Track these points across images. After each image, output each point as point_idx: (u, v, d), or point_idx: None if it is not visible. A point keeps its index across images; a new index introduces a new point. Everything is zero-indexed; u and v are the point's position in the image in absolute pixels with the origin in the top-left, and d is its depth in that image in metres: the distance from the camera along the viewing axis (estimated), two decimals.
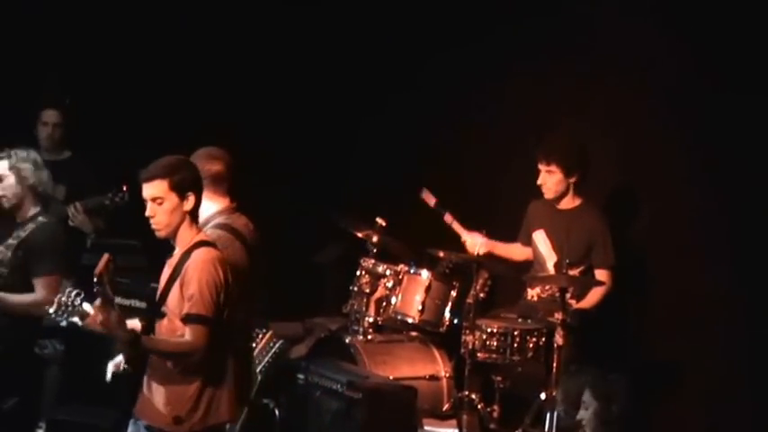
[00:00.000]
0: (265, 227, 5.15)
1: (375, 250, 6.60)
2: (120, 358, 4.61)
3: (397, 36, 7.83)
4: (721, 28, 6.07)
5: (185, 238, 4.53)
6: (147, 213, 4.52)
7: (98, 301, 4.42)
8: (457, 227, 6.56)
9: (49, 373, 6.48)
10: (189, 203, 4.51)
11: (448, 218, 6.57)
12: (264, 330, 6.27)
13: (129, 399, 5.02)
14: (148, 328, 4.53)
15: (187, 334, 4.40)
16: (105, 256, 4.39)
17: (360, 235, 6.66)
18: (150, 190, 4.49)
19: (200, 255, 4.47)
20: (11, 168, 5.89)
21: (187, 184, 4.50)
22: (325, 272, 7.68)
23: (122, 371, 4.55)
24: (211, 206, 5.03)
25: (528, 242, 6.46)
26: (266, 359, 6.22)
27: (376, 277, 6.54)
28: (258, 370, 5.86)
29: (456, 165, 7.45)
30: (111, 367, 4.78)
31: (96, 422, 6.18)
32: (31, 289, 5.86)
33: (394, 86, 7.84)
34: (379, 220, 6.58)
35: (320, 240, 7.56)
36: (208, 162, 5.04)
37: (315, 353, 6.37)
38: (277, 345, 6.30)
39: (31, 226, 5.89)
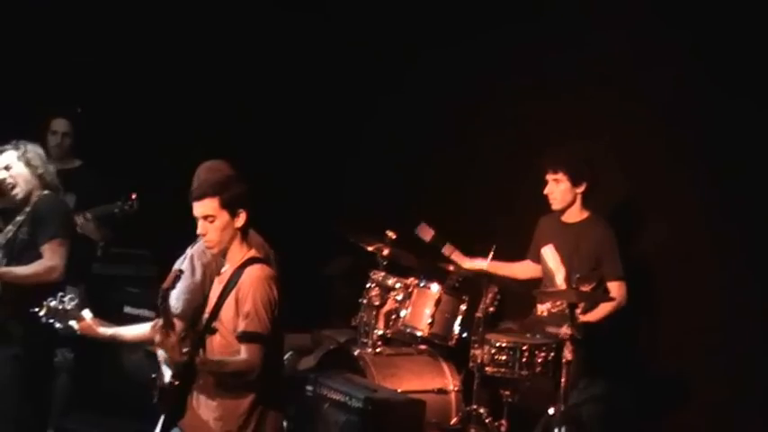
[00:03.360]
0: (273, 239, 5.14)
1: (385, 263, 6.57)
2: (168, 373, 4.58)
3: (393, 45, 7.82)
4: (726, 36, 6.08)
5: (237, 254, 4.54)
6: (199, 231, 4.52)
7: (160, 321, 4.42)
8: (456, 257, 6.56)
9: (59, 382, 6.56)
10: (240, 220, 4.52)
11: (447, 250, 6.56)
12: None
13: (140, 409, 5.06)
14: (199, 343, 4.53)
15: (243, 352, 4.40)
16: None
17: (370, 248, 6.63)
18: (201, 208, 4.49)
19: (254, 272, 4.47)
20: (19, 158, 5.88)
21: (238, 201, 4.50)
22: (333, 284, 7.69)
23: (169, 384, 4.52)
24: None
25: (537, 259, 6.45)
26: None
27: (385, 290, 6.51)
28: None
29: (463, 178, 7.45)
30: (166, 375, 4.70)
31: (105, 431, 6.37)
32: None
33: (397, 99, 7.84)
34: (390, 233, 6.56)
35: (328, 253, 7.58)
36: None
37: (323, 365, 6.35)
38: (286, 356, 6.32)
39: (34, 200, 5.85)
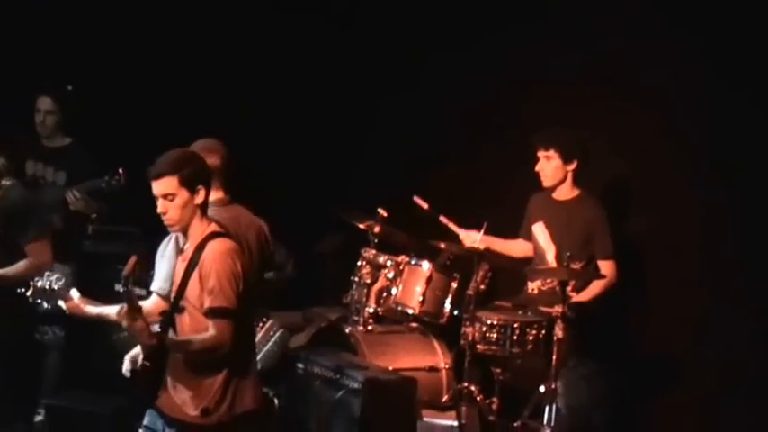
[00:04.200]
0: (265, 217, 5.16)
1: (376, 241, 6.61)
2: (136, 352, 4.61)
3: (396, 38, 7.85)
4: (723, 33, 6.12)
5: (197, 231, 4.53)
6: (159, 210, 4.52)
7: (124, 306, 4.43)
8: (452, 226, 6.60)
9: (49, 360, 6.67)
10: (200, 197, 4.52)
11: (443, 219, 6.61)
12: (265, 319, 6.31)
13: (129, 387, 4.99)
14: (168, 323, 4.53)
15: (211, 328, 4.42)
16: (133, 258, 4.44)
17: (361, 226, 6.67)
18: (160, 187, 4.49)
19: (215, 246, 4.48)
20: None
21: (197, 178, 4.50)
22: (324, 262, 7.72)
23: (140, 366, 4.55)
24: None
25: (529, 237, 6.49)
26: (266, 348, 6.26)
27: (377, 268, 6.56)
28: (258, 359, 5.86)
29: (459, 158, 7.48)
30: (127, 363, 4.78)
31: (95, 409, 6.24)
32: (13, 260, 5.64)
33: (396, 81, 7.85)
34: (381, 211, 6.60)
35: (320, 230, 7.59)
36: (204, 155, 5.00)
37: (315, 343, 6.40)
38: (277, 334, 6.35)
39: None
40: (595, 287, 6.20)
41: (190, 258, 4.51)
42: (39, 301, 4.79)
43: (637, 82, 6.48)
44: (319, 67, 8.16)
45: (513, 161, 6.81)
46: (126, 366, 4.78)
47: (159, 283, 4.88)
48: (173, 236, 4.83)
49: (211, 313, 4.41)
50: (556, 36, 6.89)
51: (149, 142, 5.69)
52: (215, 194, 4.98)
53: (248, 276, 4.63)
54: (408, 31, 7.78)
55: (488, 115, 7.29)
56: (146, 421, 4.62)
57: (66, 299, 4.75)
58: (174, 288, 4.57)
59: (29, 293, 4.77)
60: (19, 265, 5.56)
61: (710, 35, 6.15)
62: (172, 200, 4.47)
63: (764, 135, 5.97)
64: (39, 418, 6.39)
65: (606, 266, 6.21)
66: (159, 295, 4.88)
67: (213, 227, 4.56)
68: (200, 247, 4.50)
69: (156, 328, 4.53)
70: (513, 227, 6.60)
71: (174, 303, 4.56)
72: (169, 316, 4.54)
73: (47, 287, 4.74)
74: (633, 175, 6.61)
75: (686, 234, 6.37)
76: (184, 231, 4.55)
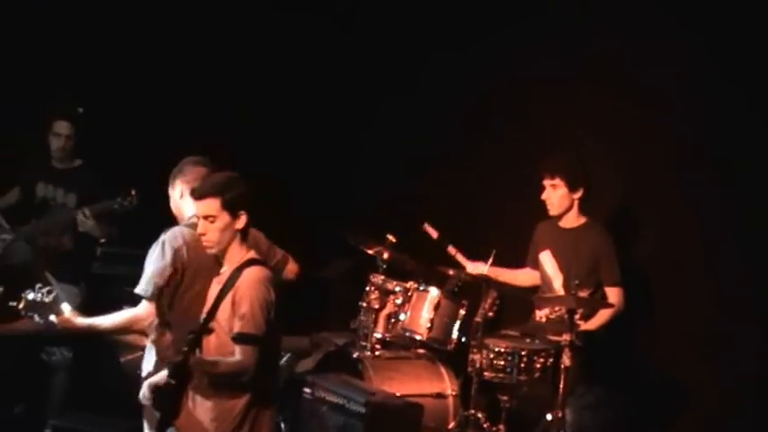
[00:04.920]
0: (272, 240, 5.19)
1: (384, 266, 6.61)
2: (155, 380, 4.65)
3: (398, 45, 7.86)
4: (718, 42, 6.12)
5: (235, 256, 4.62)
6: (199, 231, 4.60)
7: (155, 320, 4.55)
8: (460, 258, 6.60)
9: (56, 380, 6.68)
10: (240, 222, 4.59)
11: (451, 249, 6.60)
12: None
13: (136, 409, 5.11)
14: (195, 343, 4.58)
15: (237, 353, 4.49)
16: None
17: (370, 251, 6.67)
18: (202, 208, 4.57)
19: (252, 273, 4.56)
20: None
21: (239, 203, 4.58)
22: (331, 286, 7.72)
23: (165, 384, 4.58)
24: (192, 208, 5.04)
25: (536, 265, 6.49)
26: None
27: (385, 293, 6.55)
28: None
29: (465, 184, 7.49)
30: (148, 386, 4.78)
31: (102, 431, 6.29)
32: None
33: (399, 101, 7.87)
34: (390, 237, 6.60)
35: (327, 255, 7.59)
36: (194, 167, 5.10)
37: (322, 367, 6.38)
38: (284, 358, 6.35)
39: None
40: (603, 315, 6.18)
41: (225, 282, 4.57)
42: (30, 314, 4.77)
43: (635, 83, 6.49)
44: (321, 68, 8.16)
45: (513, 161, 6.93)
46: (143, 393, 4.80)
47: (142, 285, 4.92)
48: (158, 242, 4.89)
49: (240, 339, 4.48)
50: (554, 37, 6.91)
51: (154, 159, 5.79)
52: None
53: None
54: (410, 31, 7.80)
55: (487, 115, 7.33)
56: None
57: (58, 313, 4.75)
58: (206, 309, 4.61)
59: (20, 306, 4.77)
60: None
61: (710, 40, 6.16)
62: (213, 221, 4.56)
63: (764, 142, 5.99)
64: None
65: (614, 293, 6.20)
66: (143, 297, 4.89)
67: (252, 254, 4.64)
68: (236, 273, 4.55)
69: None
70: (513, 236, 6.65)
71: (204, 324, 4.59)
72: (197, 336, 4.57)
73: (38, 300, 4.74)
74: (630, 193, 6.63)
75: (688, 255, 6.37)
76: (222, 254, 4.60)
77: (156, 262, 4.84)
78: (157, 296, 4.76)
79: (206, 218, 4.59)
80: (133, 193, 6.82)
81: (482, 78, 7.38)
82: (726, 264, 6.17)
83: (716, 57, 6.17)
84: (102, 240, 7.03)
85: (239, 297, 4.52)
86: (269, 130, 7.97)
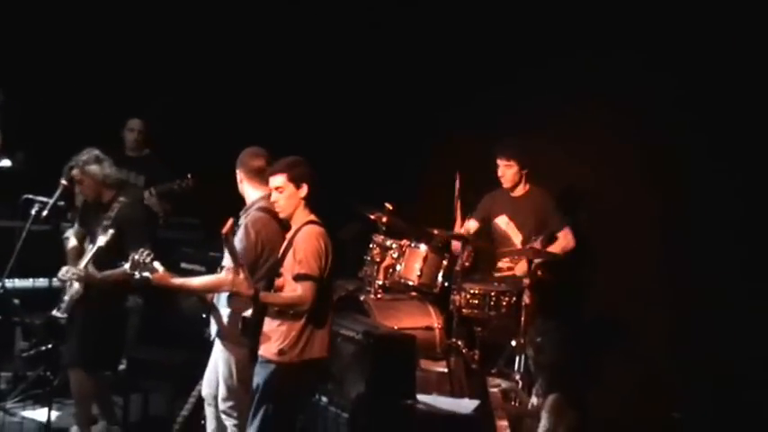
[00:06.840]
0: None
1: (384, 228, 7.06)
2: (249, 310, 5.11)
3: (401, 33, 8.10)
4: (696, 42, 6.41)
5: (300, 218, 5.15)
6: (272, 199, 5.14)
7: (227, 262, 4.94)
8: (458, 214, 7.03)
9: (131, 322, 7.06)
10: (303, 191, 5.12)
11: (458, 204, 6.99)
12: None
13: (193, 341, 5.68)
14: (269, 284, 5.13)
15: (299, 289, 5.00)
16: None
17: (372, 217, 7.10)
18: (274, 181, 5.14)
19: (308, 230, 5.10)
20: (82, 174, 6.09)
21: (301, 177, 5.12)
22: (345, 245, 7.26)
23: (249, 318, 5.08)
24: (255, 193, 5.46)
25: (480, 219, 6.95)
26: None
27: (384, 249, 6.98)
28: None
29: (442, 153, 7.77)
30: (213, 327, 5.27)
31: (168, 360, 6.66)
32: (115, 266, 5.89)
33: (408, 81, 8.12)
34: (388, 205, 7.08)
35: (342, 220, 7.59)
36: (252, 158, 5.46)
37: (336, 308, 6.02)
38: None
39: (116, 206, 6.07)
40: (560, 243, 6.69)
41: (290, 238, 5.12)
42: (134, 271, 5.19)
43: (602, 91, 6.84)
44: (346, 64, 8.36)
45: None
46: (211, 330, 5.36)
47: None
48: (241, 225, 5.26)
49: (299, 277, 4.99)
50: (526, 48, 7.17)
51: (209, 151, 6.33)
52: (263, 190, 5.41)
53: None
54: (429, 36, 7.89)
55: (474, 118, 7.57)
56: (255, 368, 5.17)
57: (153, 271, 5.20)
58: (278, 258, 5.19)
59: (127, 266, 5.21)
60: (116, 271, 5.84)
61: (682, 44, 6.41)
62: (282, 192, 5.11)
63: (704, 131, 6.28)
64: (122, 367, 6.78)
65: (563, 235, 6.75)
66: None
67: (312, 216, 5.16)
68: (298, 231, 5.10)
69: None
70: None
71: (275, 269, 5.17)
72: (270, 278, 5.17)
73: (141, 261, 5.18)
74: (579, 172, 6.97)
75: (627, 221, 6.72)
76: (290, 217, 5.14)
77: (241, 242, 5.21)
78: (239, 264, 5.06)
79: (277, 189, 5.09)
80: (189, 176, 7.40)
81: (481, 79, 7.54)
82: (671, 223, 6.55)
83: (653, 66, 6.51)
84: (161, 214, 7.53)
85: (298, 247, 4.99)
86: (304, 126, 8.25)
